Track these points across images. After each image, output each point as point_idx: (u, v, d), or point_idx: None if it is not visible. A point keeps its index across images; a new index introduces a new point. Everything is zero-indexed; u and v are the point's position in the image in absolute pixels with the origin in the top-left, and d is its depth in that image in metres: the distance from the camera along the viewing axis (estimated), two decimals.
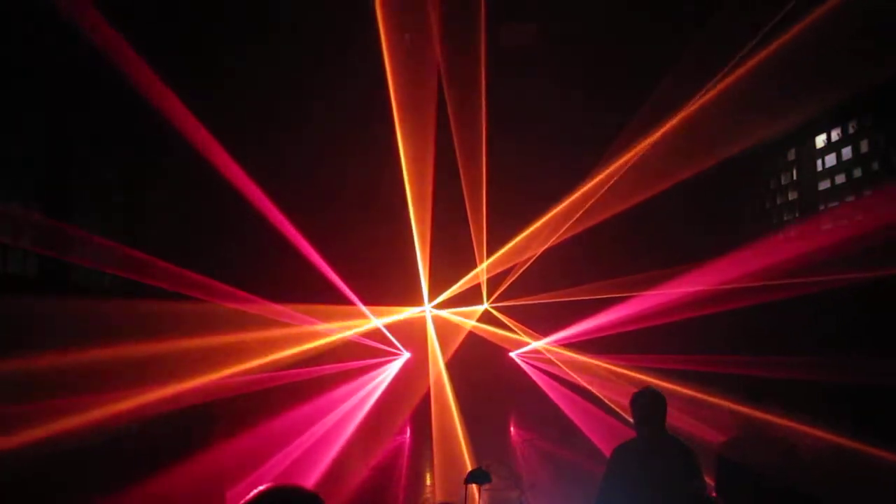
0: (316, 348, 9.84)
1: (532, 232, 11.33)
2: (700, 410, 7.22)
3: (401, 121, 9.87)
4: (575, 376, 11.23)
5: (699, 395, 7.44)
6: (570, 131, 10.02)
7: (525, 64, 9.62)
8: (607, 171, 9.83)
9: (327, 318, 10.40)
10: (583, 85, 9.59)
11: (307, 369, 9.58)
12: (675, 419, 4.47)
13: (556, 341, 11.68)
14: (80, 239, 7.16)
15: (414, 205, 11.01)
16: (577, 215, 10.45)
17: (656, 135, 8.97)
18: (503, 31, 9.12)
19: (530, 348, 12.70)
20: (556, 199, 10.65)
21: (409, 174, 10.60)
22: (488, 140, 10.07)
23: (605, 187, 9.93)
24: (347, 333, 11.01)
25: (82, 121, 7.26)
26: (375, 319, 11.73)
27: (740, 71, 7.81)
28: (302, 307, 9.70)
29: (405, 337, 12.94)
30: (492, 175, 10.62)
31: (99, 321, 6.29)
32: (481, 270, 12.30)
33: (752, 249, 8.46)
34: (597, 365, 10.88)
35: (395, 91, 9.46)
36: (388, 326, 12.29)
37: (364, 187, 10.91)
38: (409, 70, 9.35)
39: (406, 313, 12.61)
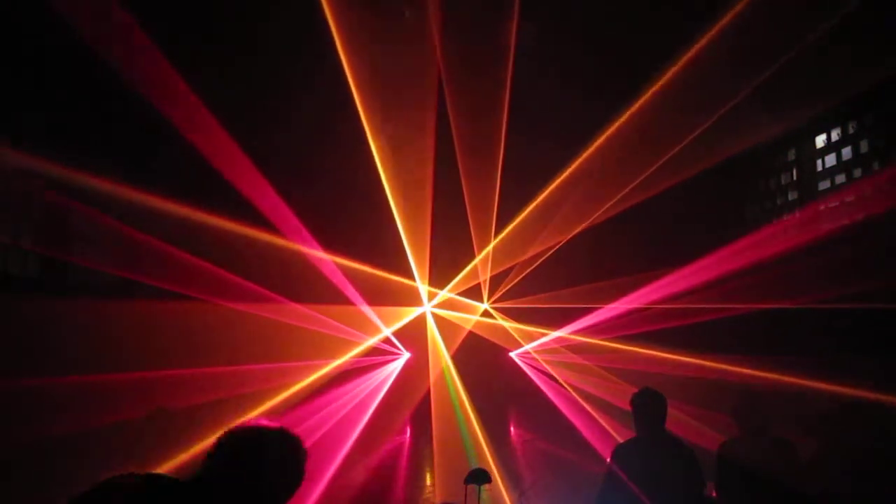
0: (364, 350, 11.90)
1: (530, 225, 11.33)
2: (700, 410, 7.22)
3: (399, 119, 9.88)
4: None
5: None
6: (569, 121, 9.96)
7: (534, 57, 9.54)
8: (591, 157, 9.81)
9: (342, 319, 11.05)
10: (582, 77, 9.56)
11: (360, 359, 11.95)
12: (675, 419, 4.46)
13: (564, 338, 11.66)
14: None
15: (412, 203, 11.02)
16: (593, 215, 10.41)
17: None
18: (506, 30, 9.09)
19: (528, 348, 12.70)
20: (551, 183, 10.64)
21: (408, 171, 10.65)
22: (488, 133, 10.04)
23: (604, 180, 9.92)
24: (374, 340, 12.02)
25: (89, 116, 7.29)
26: (386, 329, 12.08)
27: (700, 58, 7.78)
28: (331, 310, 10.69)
29: (406, 337, 12.94)
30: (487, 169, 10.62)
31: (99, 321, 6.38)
32: (481, 271, 12.29)
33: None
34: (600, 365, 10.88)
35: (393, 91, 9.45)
36: (391, 325, 12.31)
37: (365, 187, 10.91)
38: (408, 61, 9.29)
39: (409, 318, 12.63)
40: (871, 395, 5.19)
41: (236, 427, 1.97)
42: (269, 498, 1.94)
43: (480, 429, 10.64)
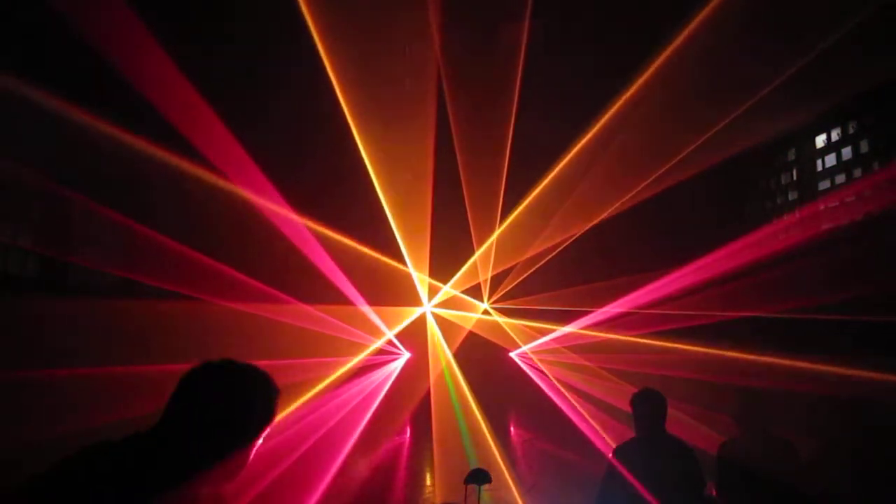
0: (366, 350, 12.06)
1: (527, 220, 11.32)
2: (700, 411, 7.22)
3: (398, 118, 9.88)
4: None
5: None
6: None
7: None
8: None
9: (344, 321, 11.09)
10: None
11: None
12: (675, 419, 4.46)
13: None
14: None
15: (412, 201, 11.02)
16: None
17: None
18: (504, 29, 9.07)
19: (525, 349, 12.70)
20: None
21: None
22: (489, 130, 10.01)
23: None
24: (380, 342, 12.18)
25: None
26: (389, 333, 12.21)
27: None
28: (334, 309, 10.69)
29: (406, 336, 12.93)
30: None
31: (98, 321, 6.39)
32: (481, 270, 12.28)
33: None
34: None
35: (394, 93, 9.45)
36: (392, 325, 12.32)
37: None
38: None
39: (410, 318, 12.64)
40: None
41: (201, 364, 1.85)
42: (241, 435, 1.84)
43: (487, 427, 10.66)
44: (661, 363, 9.11)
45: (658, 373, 8.72)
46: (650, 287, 9.70)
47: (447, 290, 12.68)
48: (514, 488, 8.06)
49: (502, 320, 12.85)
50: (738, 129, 8.39)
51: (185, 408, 1.80)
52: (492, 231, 11.57)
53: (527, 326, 12.60)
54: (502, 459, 9.40)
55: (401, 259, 11.65)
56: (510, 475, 8.76)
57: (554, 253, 11.37)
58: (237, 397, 1.84)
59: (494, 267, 12.31)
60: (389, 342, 12.54)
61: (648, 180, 9.32)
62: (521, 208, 11.22)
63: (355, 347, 11.55)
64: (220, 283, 8.33)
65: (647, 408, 4.15)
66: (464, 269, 12.33)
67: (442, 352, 12.73)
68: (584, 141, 9.85)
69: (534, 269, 11.80)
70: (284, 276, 9.76)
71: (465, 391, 11.87)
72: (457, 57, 9.28)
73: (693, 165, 8.86)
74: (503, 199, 11.15)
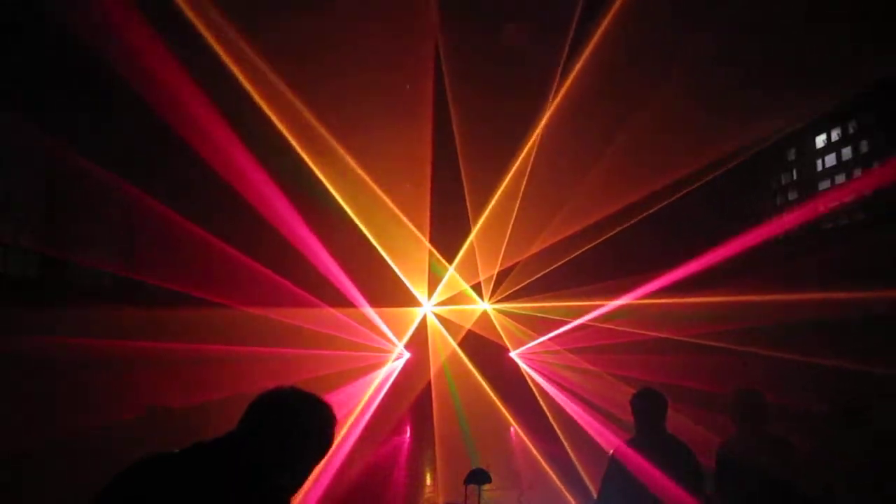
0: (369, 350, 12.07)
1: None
2: (700, 411, 7.22)
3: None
4: None
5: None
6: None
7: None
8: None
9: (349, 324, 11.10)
10: None
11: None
12: (676, 419, 4.47)
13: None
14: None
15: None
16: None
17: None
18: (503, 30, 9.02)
19: (515, 354, 12.74)
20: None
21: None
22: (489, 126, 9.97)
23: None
24: (399, 348, 12.48)
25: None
26: (400, 344, 12.36)
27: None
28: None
29: (404, 334, 12.94)
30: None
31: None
32: (483, 269, 12.28)
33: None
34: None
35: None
36: (394, 326, 12.31)
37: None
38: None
39: (416, 323, 12.67)
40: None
41: (271, 389, 2.01)
42: (299, 460, 1.98)
43: (513, 420, 10.71)
44: (662, 368, 9.13)
45: (658, 379, 8.73)
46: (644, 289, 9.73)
47: (451, 273, 12.61)
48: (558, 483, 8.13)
49: (505, 307, 12.81)
50: (739, 129, 8.38)
51: (254, 428, 1.94)
52: (499, 233, 11.57)
53: (526, 327, 12.59)
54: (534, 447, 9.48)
55: (401, 257, 11.65)
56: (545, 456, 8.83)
57: (553, 253, 11.36)
58: (302, 424, 2.00)
59: (490, 267, 12.30)
60: (390, 341, 12.53)
61: (648, 182, 9.33)
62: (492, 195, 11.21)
63: (357, 346, 11.54)
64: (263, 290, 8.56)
65: (648, 407, 4.16)
66: (463, 251, 12.28)
67: (442, 351, 12.72)
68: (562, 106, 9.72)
69: (537, 275, 11.79)
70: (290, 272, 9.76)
71: (472, 387, 11.89)
72: (459, 46, 9.23)
73: (692, 166, 8.86)
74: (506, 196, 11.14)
